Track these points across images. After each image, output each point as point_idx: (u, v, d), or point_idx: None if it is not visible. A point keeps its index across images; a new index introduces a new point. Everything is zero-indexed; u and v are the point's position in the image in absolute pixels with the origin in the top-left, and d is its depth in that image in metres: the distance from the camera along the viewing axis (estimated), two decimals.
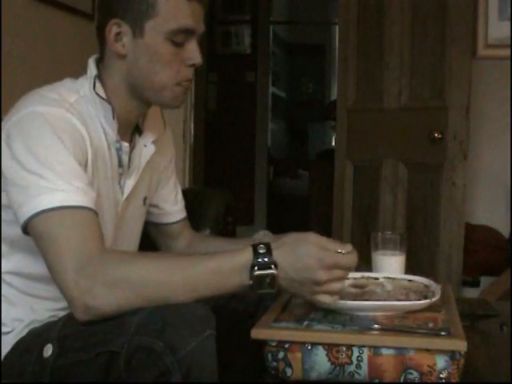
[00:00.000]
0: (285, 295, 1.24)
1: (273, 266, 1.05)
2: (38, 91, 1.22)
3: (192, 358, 0.98)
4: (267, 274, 1.04)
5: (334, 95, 6.49)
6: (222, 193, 2.01)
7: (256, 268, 1.04)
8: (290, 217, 6.04)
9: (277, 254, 1.06)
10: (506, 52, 2.88)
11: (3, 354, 1.20)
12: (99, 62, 1.28)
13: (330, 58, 7.66)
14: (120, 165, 1.28)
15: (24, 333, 1.21)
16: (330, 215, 3.19)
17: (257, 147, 5.64)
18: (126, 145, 1.27)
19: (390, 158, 2.85)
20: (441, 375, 1.06)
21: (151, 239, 1.53)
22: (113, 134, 1.25)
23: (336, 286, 1.09)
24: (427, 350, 1.06)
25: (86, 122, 1.20)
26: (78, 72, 2.71)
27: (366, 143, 2.97)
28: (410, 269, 1.47)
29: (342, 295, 1.22)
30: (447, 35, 2.59)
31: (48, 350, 1.12)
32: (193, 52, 1.22)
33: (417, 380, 1.06)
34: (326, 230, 3.36)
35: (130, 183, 1.31)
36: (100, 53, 1.28)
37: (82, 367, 1.07)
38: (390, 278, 1.34)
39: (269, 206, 5.84)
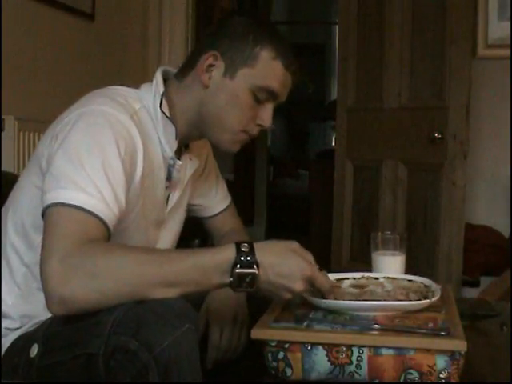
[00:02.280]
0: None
1: (255, 266, 1.05)
2: (104, 92, 1.24)
3: (169, 353, 0.97)
4: (248, 273, 1.05)
5: (334, 95, 6.49)
6: None
7: (238, 266, 1.04)
8: (290, 217, 6.05)
9: (261, 255, 1.06)
10: (506, 52, 2.88)
11: (5, 351, 1.20)
12: (174, 77, 1.31)
13: (330, 58, 7.68)
14: (167, 179, 1.30)
15: (30, 330, 1.21)
16: (330, 215, 3.19)
17: (257, 147, 5.64)
18: (179, 163, 1.30)
19: (390, 158, 2.86)
20: (441, 375, 1.06)
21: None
22: (170, 152, 1.27)
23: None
24: (427, 350, 1.06)
25: (145, 133, 1.22)
26: (78, 72, 2.71)
27: (366, 143, 2.97)
28: (409, 269, 1.47)
29: (342, 295, 1.22)
30: (447, 35, 2.59)
31: (34, 350, 1.12)
32: (266, 114, 1.28)
33: (417, 380, 1.06)
34: (326, 230, 3.36)
35: (175, 196, 1.34)
36: (182, 70, 1.30)
37: (63, 368, 1.06)
38: (389, 277, 1.34)
39: (269, 206, 5.84)
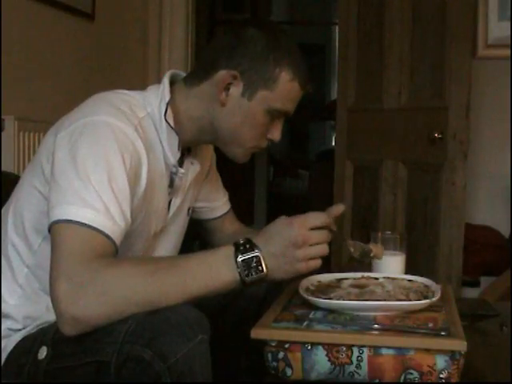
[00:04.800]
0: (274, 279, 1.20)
1: (256, 250, 1.08)
2: (109, 98, 1.22)
3: (183, 364, 0.97)
4: (252, 257, 1.07)
5: (334, 95, 6.48)
6: None
7: (240, 254, 1.07)
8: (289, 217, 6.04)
9: (256, 240, 1.10)
10: (506, 52, 2.88)
11: (9, 352, 1.19)
12: (183, 82, 1.29)
13: (330, 58, 7.67)
14: (170, 185, 1.31)
15: (33, 331, 1.20)
16: None
17: None
18: (182, 171, 1.31)
19: (390, 158, 2.85)
20: (441, 375, 1.06)
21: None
22: (173, 160, 1.28)
23: (314, 263, 1.12)
24: (427, 350, 1.06)
25: (148, 142, 1.22)
26: (78, 72, 2.72)
27: (366, 143, 2.97)
28: (410, 269, 1.47)
29: (342, 295, 1.22)
30: (447, 35, 2.59)
31: (42, 353, 1.12)
32: (277, 130, 1.30)
33: (417, 380, 1.06)
34: None
35: (176, 202, 1.34)
36: (192, 78, 1.29)
37: (73, 373, 1.06)
38: (390, 278, 1.34)
39: (269, 206, 5.84)
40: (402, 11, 2.77)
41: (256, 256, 1.07)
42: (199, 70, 1.29)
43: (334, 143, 4.48)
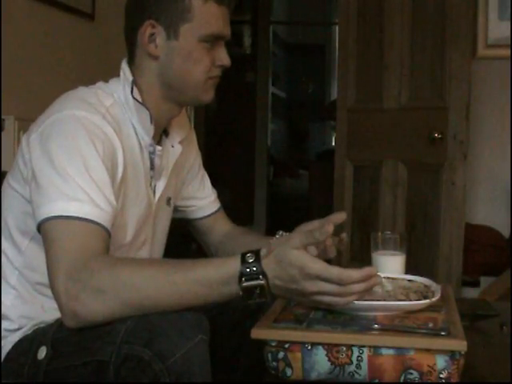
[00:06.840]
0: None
1: (261, 276, 1.01)
2: (76, 93, 1.24)
3: (182, 364, 0.97)
4: (256, 285, 1.02)
5: (334, 95, 6.49)
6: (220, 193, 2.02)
7: (243, 279, 1.01)
8: (290, 217, 6.05)
9: (265, 263, 1.02)
10: (506, 52, 2.88)
11: (6, 352, 1.20)
12: (130, 64, 1.29)
13: (330, 58, 7.68)
14: (152, 167, 1.30)
15: (30, 332, 1.21)
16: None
17: (257, 147, 5.64)
18: (159, 148, 1.30)
19: (390, 158, 2.85)
20: (441, 375, 1.06)
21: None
22: (147, 138, 1.27)
23: (325, 299, 1.04)
24: (427, 350, 1.06)
25: (120, 127, 1.22)
26: (78, 72, 2.71)
27: (366, 143, 2.97)
28: (409, 269, 1.47)
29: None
30: (447, 35, 2.59)
31: (42, 353, 1.12)
32: (222, 54, 1.28)
33: (417, 380, 1.06)
34: None
35: (160, 184, 1.33)
36: (130, 54, 1.29)
37: (73, 373, 1.07)
38: (390, 277, 1.34)
39: (269, 205, 5.84)
40: (401, 11, 2.77)
41: (261, 286, 1.01)
42: (127, 45, 1.29)
43: (334, 143, 4.49)
